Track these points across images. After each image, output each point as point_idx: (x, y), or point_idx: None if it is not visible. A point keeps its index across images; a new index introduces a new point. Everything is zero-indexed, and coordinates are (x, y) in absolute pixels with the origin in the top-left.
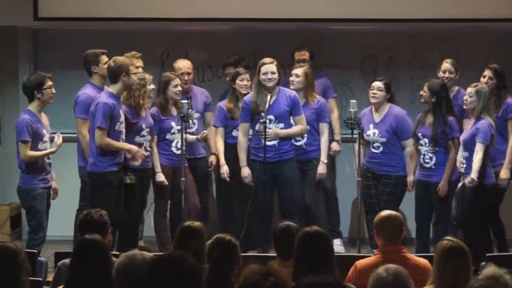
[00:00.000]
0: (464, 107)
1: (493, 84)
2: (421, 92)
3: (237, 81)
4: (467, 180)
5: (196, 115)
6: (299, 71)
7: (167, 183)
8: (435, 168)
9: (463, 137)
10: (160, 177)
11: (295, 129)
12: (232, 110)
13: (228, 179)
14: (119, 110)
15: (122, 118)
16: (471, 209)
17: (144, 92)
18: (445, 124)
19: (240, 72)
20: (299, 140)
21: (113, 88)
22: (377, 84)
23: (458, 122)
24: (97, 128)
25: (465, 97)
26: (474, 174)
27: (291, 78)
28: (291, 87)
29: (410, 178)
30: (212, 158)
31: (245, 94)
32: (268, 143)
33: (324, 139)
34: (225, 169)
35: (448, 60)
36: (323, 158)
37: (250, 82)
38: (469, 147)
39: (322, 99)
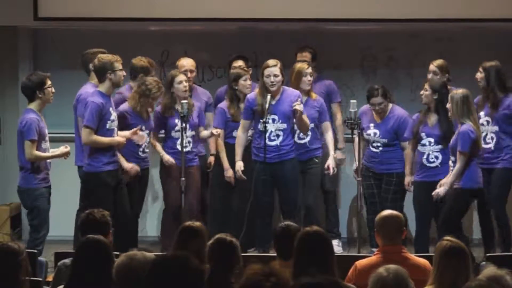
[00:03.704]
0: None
1: (482, 79)
2: (421, 92)
3: (241, 82)
4: (434, 193)
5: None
6: (311, 70)
7: (173, 161)
8: (441, 167)
9: (451, 141)
10: (165, 157)
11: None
12: (234, 114)
13: (233, 183)
14: (109, 108)
15: (113, 117)
16: (449, 212)
17: (144, 101)
18: (449, 122)
19: (241, 73)
20: (303, 138)
21: (101, 87)
22: (377, 100)
23: None
24: (84, 127)
25: None
26: (442, 189)
27: (307, 78)
28: (308, 87)
29: (409, 179)
30: (211, 159)
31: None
32: (269, 143)
33: (330, 135)
34: (230, 173)
35: (434, 62)
36: (332, 152)
37: (251, 81)
38: (455, 152)
39: (321, 98)
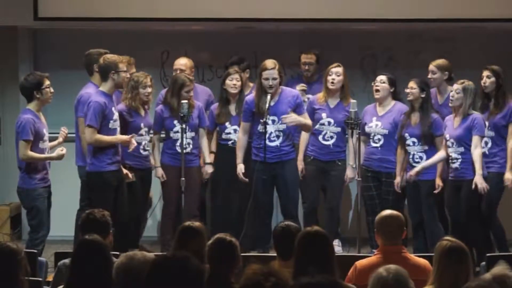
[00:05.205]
0: (450, 104)
1: (492, 84)
2: (407, 90)
3: (227, 81)
4: (480, 187)
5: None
6: (340, 69)
7: (164, 178)
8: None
9: (455, 132)
10: (158, 172)
11: (306, 120)
12: (218, 114)
13: (204, 181)
14: (111, 108)
15: (116, 116)
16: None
17: (136, 95)
18: (431, 121)
19: (230, 72)
20: (328, 140)
21: (104, 87)
22: (380, 77)
23: (441, 119)
24: (87, 126)
25: (451, 93)
26: (482, 182)
27: (331, 77)
28: (332, 86)
29: (397, 180)
30: (210, 156)
31: (234, 94)
32: (269, 143)
33: (350, 143)
34: (204, 171)
35: (434, 62)
36: (352, 162)
37: (240, 82)
38: (465, 141)
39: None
